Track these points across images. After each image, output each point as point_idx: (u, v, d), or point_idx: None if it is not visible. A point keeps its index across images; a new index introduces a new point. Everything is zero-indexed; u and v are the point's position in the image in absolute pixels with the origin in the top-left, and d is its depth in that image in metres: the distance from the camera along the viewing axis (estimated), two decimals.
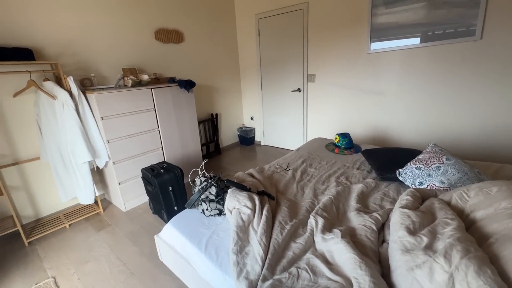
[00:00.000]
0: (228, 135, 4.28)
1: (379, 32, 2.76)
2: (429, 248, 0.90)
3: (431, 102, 2.66)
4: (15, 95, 2.03)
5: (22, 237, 2.03)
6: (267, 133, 4.25)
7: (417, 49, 2.59)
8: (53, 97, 2.03)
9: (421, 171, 1.58)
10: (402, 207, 1.16)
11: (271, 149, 4.16)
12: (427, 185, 1.52)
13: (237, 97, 4.32)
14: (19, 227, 2.00)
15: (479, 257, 0.79)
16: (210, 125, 3.86)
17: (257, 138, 4.42)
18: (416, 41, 2.58)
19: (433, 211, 1.16)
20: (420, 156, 1.70)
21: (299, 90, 3.61)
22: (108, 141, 2.26)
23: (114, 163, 2.32)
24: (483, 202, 1.09)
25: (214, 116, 3.87)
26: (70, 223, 2.28)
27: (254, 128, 4.37)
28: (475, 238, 0.94)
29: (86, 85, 2.37)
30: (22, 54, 1.96)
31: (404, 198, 1.25)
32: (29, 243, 2.06)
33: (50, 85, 2.07)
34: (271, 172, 2.00)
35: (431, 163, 1.58)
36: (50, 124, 2.13)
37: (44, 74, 2.15)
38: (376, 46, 2.83)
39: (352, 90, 3.15)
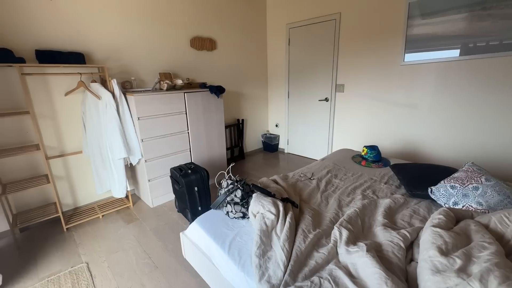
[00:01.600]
0: (252, 140, 4.35)
1: (414, 44, 2.68)
2: (463, 271, 0.86)
3: (469, 119, 2.50)
4: (67, 94, 2.25)
5: (62, 223, 2.22)
6: (291, 141, 4.24)
7: (455, 61, 2.47)
8: (98, 97, 2.23)
9: (456, 190, 1.49)
10: (434, 226, 1.12)
11: (295, 157, 4.14)
12: (463, 206, 1.43)
13: (264, 104, 4.39)
14: (60, 214, 2.19)
15: None
16: (236, 130, 3.96)
17: (281, 146, 4.44)
18: (455, 53, 2.46)
19: (468, 233, 1.10)
20: (456, 175, 1.61)
21: (326, 99, 3.58)
22: (142, 140, 2.41)
23: (146, 161, 2.47)
24: None
25: (240, 122, 3.96)
26: (103, 214, 2.45)
27: (279, 135, 4.39)
28: None
29: (126, 87, 2.57)
30: (75, 57, 2.18)
31: (437, 217, 1.20)
32: (67, 229, 2.25)
33: (96, 86, 2.28)
34: (295, 180, 2.01)
35: (468, 183, 1.49)
36: (93, 121, 2.33)
37: (92, 76, 2.37)
38: (410, 57, 2.74)
39: (382, 102, 3.07)
